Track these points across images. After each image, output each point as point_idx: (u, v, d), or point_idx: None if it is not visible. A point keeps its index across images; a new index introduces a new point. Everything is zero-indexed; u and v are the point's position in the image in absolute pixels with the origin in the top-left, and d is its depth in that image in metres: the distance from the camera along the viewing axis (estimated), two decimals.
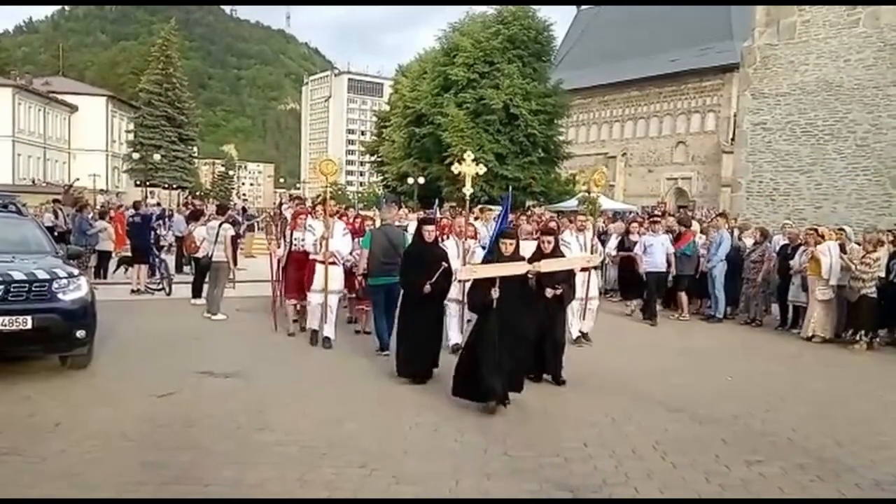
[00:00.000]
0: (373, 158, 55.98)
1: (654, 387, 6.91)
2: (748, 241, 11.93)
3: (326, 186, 8.67)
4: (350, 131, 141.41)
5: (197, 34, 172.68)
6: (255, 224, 24.79)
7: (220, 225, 10.65)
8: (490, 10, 35.80)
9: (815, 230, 10.67)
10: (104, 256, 14.55)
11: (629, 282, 12.11)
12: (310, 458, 4.64)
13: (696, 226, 13.08)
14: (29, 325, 6.09)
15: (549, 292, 6.57)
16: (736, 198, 21.96)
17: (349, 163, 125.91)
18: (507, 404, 5.82)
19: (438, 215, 13.90)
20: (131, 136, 54.63)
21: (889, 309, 9.61)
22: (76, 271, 6.86)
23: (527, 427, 5.53)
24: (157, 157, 48.73)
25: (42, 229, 8.11)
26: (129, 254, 14.31)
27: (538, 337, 6.60)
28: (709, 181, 38.35)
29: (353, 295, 9.53)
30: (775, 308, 11.60)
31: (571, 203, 29.29)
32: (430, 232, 7.07)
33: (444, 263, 6.84)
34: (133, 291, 12.89)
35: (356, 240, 8.99)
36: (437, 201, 21.21)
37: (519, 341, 5.93)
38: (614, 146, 43.76)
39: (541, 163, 33.99)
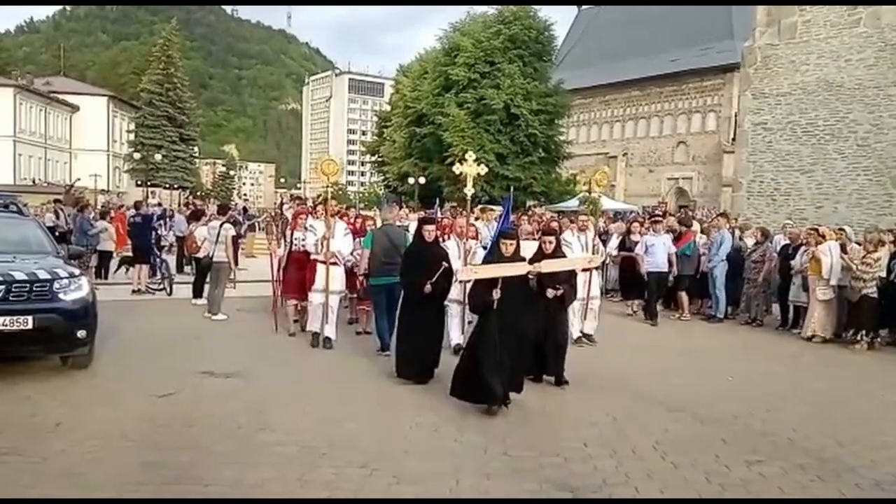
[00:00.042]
0: (373, 158, 55.97)
1: (655, 387, 6.91)
2: (749, 241, 11.92)
3: (328, 186, 8.66)
4: (351, 131, 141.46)
5: (198, 34, 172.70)
6: (256, 224, 24.81)
7: (221, 225, 10.66)
8: (491, 9, 35.79)
9: (816, 230, 10.66)
10: (105, 256, 14.56)
11: (630, 282, 12.11)
12: (310, 458, 4.64)
13: (696, 226, 13.08)
14: (30, 325, 6.10)
15: (550, 293, 6.57)
16: (737, 198, 21.96)
17: (350, 163, 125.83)
18: (508, 404, 5.82)
19: (439, 215, 13.89)
20: (132, 136, 54.68)
21: (890, 309, 9.60)
22: (77, 271, 6.87)
23: (527, 427, 5.54)
24: (158, 157, 48.82)
25: (43, 229, 8.11)
26: (130, 254, 14.32)
27: (539, 337, 6.59)
28: (709, 181, 38.30)
29: (355, 295, 9.54)
30: (776, 308, 11.59)
31: (572, 203, 29.27)
32: (430, 232, 7.07)
33: (444, 263, 6.85)
34: (134, 291, 12.90)
35: (357, 240, 9.00)
36: (437, 201, 21.18)
37: (520, 342, 5.93)
38: (615, 146, 43.72)
39: (541, 163, 33.97)
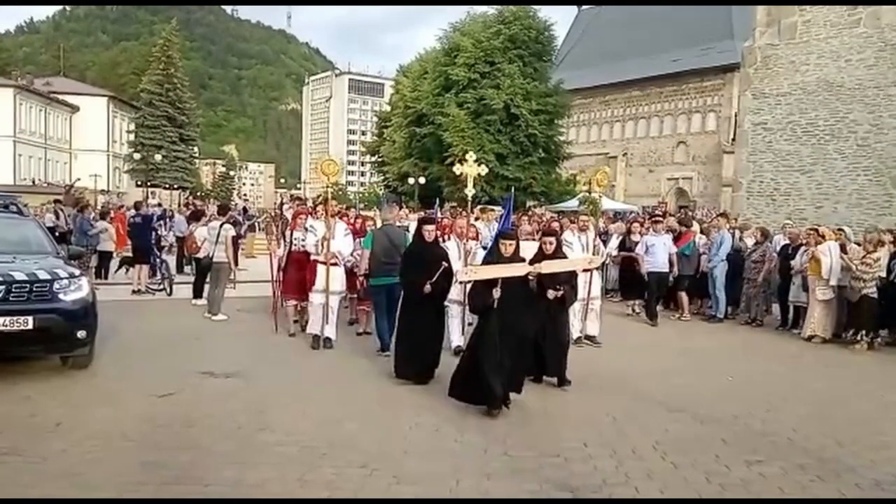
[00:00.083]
0: (373, 159, 55.97)
1: (655, 387, 6.91)
2: (749, 241, 11.93)
3: (328, 186, 8.66)
4: (351, 131, 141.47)
5: (198, 34, 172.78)
6: (256, 224, 24.81)
7: (221, 225, 10.66)
8: (491, 10, 35.79)
9: (816, 230, 10.67)
10: (105, 257, 14.57)
11: (629, 282, 12.11)
12: (310, 459, 4.64)
13: (696, 226, 13.08)
14: (30, 326, 6.10)
15: (550, 294, 6.56)
16: (737, 198, 21.96)
17: (350, 163, 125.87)
18: (508, 405, 5.82)
19: (439, 216, 13.89)
20: (132, 137, 54.69)
21: (890, 309, 9.61)
22: (77, 272, 6.87)
23: (527, 427, 5.54)
24: (157, 157, 48.84)
25: (43, 230, 8.11)
26: (130, 254, 14.33)
27: (539, 338, 6.58)
28: (709, 181, 38.30)
29: (355, 295, 9.54)
30: (776, 308, 11.60)
31: (572, 203, 29.28)
32: (430, 231, 7.07)
33: (444, 263, 6.85)
34: (134, 292, 12.90)
35: (357, 240, 9.00)
36: (437, 201, 21.19)
37: (520, 342, 5.92)
38: (615, 146, 43.72)
39: (541, 163, 33.97)
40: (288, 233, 9.29)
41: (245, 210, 29.00)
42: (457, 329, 8.06)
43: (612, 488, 4.35)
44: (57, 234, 12.24)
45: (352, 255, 8.80)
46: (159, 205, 27.24)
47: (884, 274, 9.58)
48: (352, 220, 10.77)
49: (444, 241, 8.18)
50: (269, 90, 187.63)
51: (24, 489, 4.05)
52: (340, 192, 69.15)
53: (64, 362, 6.78)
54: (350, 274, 9.01)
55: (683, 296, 11.69)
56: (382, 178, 50.79)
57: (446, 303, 7.47)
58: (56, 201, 18.01)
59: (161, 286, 13.34)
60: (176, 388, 6.19)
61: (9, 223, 7.87)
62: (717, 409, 6.16)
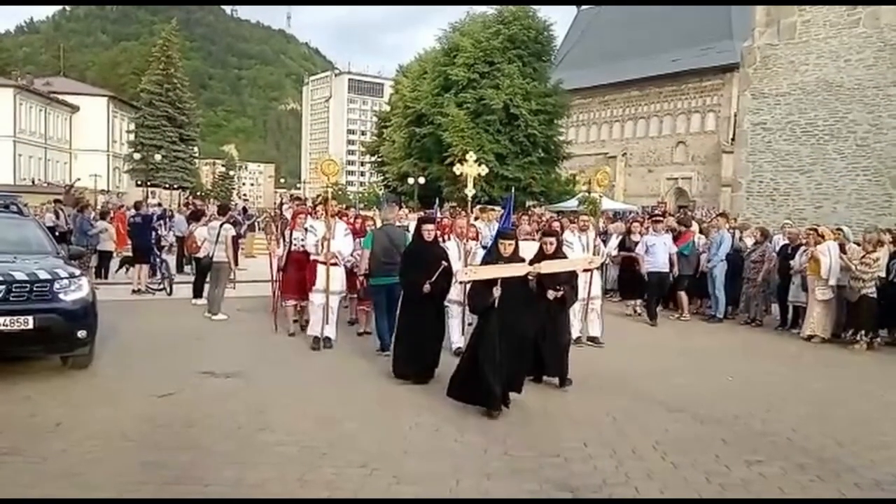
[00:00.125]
0: (373, 158, 55.95)
1: (655, 387, 6.91)
2: (748, 241, 11.94)
3: (328, 186, 8.66)
4: (350, 131, 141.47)
5: (198, 34, 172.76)
6: (256, 224, 24.80)
7: (221, 225, 10.66)
8: (490, 10, 35.79)
9: (816, 230, 10.67)
10: (105, 257, 14.57)
11: (629, 282, 12.11)
12: (310, 458, 4.64)
13: (695, 226, 13.08)
14: (30, 326, 6.10)
15: (550, 294, 6.55)
16: (736, 198, 21.97)
17: (350, 163, 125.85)
18: (508, 405, 5.83)
19: (439, 215, 13.89)
20: (132, 137, 54.71)
21: (889, 309, 9.62)
22: (77, 271, 6.87)
23: (527, 427, 5.54)
24: (157, 157, 48.85)
25: (43, 229, 8.12)
26: (130, 254, 14.34)
27: (539, 338, 6.58)
28: (709, 181, 38.33)
29: (355, 295, 9.54)
30: (775, 308, 11.60)
31: (572, 203, 29.30)
32: (429, 231, 7.08)
33: (443, 262, 6.85)
34: (134, 291, 12.91)
35: (357, 240, 9.00)
36: (437, 201, 21.21)
37: (520, 342, 5.92)
38: (614, 146, 43.74)
39: (541, 163, 33.98)
40: (287, 233, 9.29)
41: (245, 210, 28.94)
42: (457, 329, 8.05)
43: (612, 488, 4.35)
44: (57, 234, 12.24)
45: (352, 255, 8.80)
46: (159, 205, 27.24)
47: (883, 274, 9.59)
48: (351, 220, 10.77)
49: (443, 240, 8.18)
50: (269, 90, 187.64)
51: (24, 489, 4.05)
52: (340, 192, 69.17)
53: (64, 362, 6.78)
54: (350, 274, 9.01)
55: (683, 296, 11.70)
56: (382, 178, 50.79)
57: (446, 303, 7.47)
58: (56, 201, 18.01)
59: (161, 286, 13.34)
60: (176, 388, 6.19)
61: (9, 223, 7.88)
62: (717, 409, 6.17)
